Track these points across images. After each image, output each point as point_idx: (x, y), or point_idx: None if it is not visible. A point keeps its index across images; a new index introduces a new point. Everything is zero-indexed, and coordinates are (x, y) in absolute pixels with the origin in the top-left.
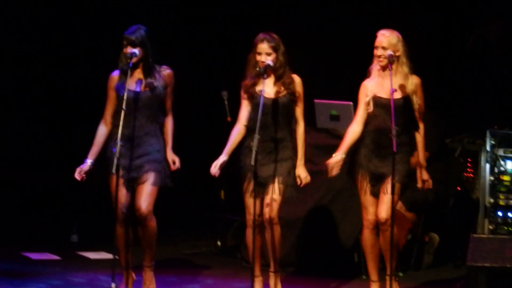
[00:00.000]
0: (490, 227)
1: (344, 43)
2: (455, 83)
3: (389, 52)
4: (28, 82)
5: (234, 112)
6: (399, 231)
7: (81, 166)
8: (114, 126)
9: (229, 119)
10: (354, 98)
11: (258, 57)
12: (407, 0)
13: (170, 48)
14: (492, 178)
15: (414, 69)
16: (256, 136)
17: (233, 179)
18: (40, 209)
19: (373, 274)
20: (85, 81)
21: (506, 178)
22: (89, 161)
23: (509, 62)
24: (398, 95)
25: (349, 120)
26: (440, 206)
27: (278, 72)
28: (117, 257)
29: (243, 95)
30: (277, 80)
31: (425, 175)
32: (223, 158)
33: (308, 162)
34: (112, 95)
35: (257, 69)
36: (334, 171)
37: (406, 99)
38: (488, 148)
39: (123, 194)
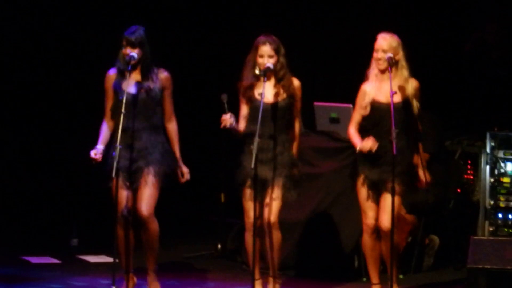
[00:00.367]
0: (491, 229)
1: (344, 45)
2: (455, 85)
3: (389, 54)
4: (30, 86)
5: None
6: (399, 234)
7: (95, 149)
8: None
9: None
10: (353, 100)
11: (260, 60)
12: (406, 3)
13: (169, 50)
14: (492, 180)
15: (413, 72)
16: (256, 140)
17: (233, 183)
18: (40, 212)
19: (374, 277)
20: (87, 85)
21: (506, 180)
22: (100, 146)
23: (508, 64)
24: (397, 98)
25: (349, 122)
26: (440, 208)
27: (279, 74)
28: (117, 260)
29: (241, 98)
30: (277, 83)
31: (426, 175)
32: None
33: (307, 165)
34: (110, 93)
35: (256, 71)
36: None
37: (405, 102)
38: (488, 150)
39: (123, 197)
